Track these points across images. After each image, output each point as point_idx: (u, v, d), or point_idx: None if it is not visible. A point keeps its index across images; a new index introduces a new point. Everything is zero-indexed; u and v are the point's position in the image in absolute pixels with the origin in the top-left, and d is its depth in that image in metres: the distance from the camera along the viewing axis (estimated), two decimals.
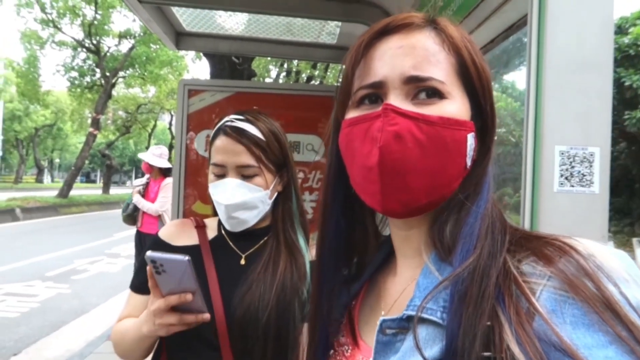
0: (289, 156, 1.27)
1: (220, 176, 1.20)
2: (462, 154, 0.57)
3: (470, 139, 0.58)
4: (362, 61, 0.60)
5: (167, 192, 5.21)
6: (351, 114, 0.61)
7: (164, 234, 1.29)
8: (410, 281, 0.61)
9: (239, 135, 1.19)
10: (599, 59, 0.94)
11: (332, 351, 0.70)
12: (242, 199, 1.18)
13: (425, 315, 0.54)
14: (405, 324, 0.57)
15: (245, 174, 1.18)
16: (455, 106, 0.57)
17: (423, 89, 0.57)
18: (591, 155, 0.92)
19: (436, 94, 0.57)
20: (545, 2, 0.95)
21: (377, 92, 0.59)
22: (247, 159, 1.18)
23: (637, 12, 11.17)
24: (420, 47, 0.57)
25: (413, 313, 0.55)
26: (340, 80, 0.63)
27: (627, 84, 9.93)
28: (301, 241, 1.26)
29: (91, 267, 8.50)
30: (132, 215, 5.38)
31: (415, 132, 0.54)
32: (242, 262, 1.23)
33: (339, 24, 2.87)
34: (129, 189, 6.26)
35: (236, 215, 1.19)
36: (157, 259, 0.96)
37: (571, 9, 0.96)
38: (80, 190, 26.87)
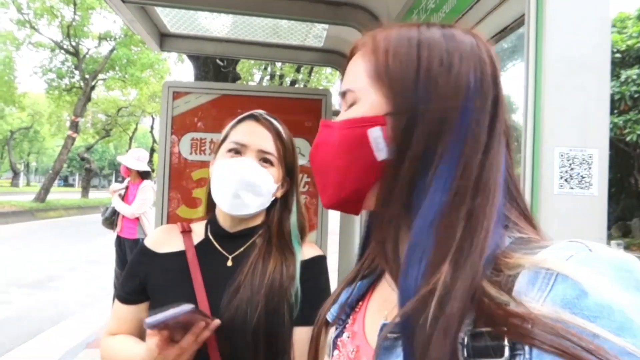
0: (297, 167, 1.28)
1: (237, 154, 1.19)
2: (365, 147, 0.59)
3: (375, 132, 0.59)
4: None
5: (144, 195, 5.13)
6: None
7: (149, 241, 1.26)
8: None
9: (269, 123, 1.21)
10: (596, 59, 0.94)
11: (336, 352, 0.69)
12: (256, 179, 1.16)
13: None
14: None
15: (264, 158, 1.19)
16: (361, 107, 0.61)
17: (347, 101, 0.64)
18: (590, 157, 0.92)
19: (352, 103, 0.63)
20: (543, 2, 0.95)
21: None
22: (271, 147, 1.19)
23: (612, 21, 11.50)
24: (350, 65, 0.66)
25: None
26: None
27: None
28: (295, 242, 1.23)
29: (69, 274, 8.29)
30: (110, 219, 5.28)
31: (326, 137, 0.64)
32: (229, 263, 1.20)
33: (326, 26, 2.86)
34: (109, 193, 6.12)
35: (243, 195, 1.16)
36: (160, 322, 0.91)
37: (568, 10, 0.95)
38: (58, 194, 26.30)
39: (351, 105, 0.63)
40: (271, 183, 1.19)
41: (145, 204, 5.12)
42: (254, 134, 1.19)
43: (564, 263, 0.46)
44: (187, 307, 0.94)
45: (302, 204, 1.29)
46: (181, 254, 1.20)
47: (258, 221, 1.25)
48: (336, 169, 0.62)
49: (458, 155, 0.55)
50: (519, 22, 1.13)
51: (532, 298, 0.46)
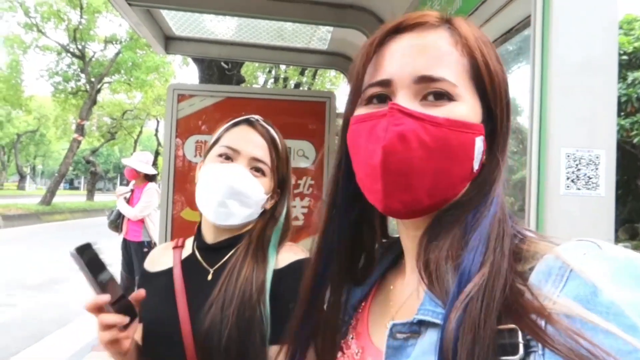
0: (289, 179, 1.21)
1: (227, 159, 1.12)
2: (469, 157, 0.56)
3: (479, 143, 0.57)
4: (374, 59, 0.60)
5: (148, 197, 5.14)
6: (359, 111, 0.61)
7: (147, 260, 1.26)
8: (420, 283, 0.58)
9: (264, 130, 1.14)
10: (603, 60, 0.93)
11: (340, 354, 0.68)
12: (245, 188, 1.09)
13: (437, 320, 0.53)
14: (416, 328, 0.56)
15: (256, 167, 1.12)
16: (464, 108, 0.56)
17: (433, 90, 0.56)
18: (597, 157, 0.91)
19: (446, 96, 0.56)
20: (549, 3, 0.94)
21: (385, 91, 0.58)
22: (265, 155, 1.12)
23: (619, 22, 11.45)
24: (432, 46, 0.57)
25: (424, 317, 0.54)
26: (352, 77, 0.63)
27: None
28: (271, 249, 1.14)
29: (74, 276, 8.31)
30: (115, 222, 5.30)
31: (420, 133, 0.54)
32: (209, 277, 1.13)
33: (331, 29, 2.86)
34: (114, 196, 6.18)
35: (231, 203, 1.09)
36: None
37: (575, 10, 0.95)
38: (63, 197, 26.42)
39: (443, 96, 0.56)
40: (261, 194, 1.12)
41: (148, 206, 5.13)
42: (248, 140, 1.12)
43: (579, 259, 0.46)
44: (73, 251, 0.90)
45: (291, 216, 1.23)
46: (169, 271, 1.17)
47: (238, 232, 1.17)
48: (432, 171, 0.55)
49: (504, 164, 0.59)
50: (525, 23, 1.13)
51: (546, 292, 0.46)
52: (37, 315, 5.95)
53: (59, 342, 5.08)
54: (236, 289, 1.05)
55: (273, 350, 1.03)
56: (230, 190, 1.08)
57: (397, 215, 0.59)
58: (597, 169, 0.91)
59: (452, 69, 0.56)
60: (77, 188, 58.65)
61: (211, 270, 1.14)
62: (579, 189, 0.91)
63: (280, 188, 1.19)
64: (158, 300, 1.13)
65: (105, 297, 0.94)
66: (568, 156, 0.90)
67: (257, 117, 1.18)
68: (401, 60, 0.57)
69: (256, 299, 1.04)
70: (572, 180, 0.91)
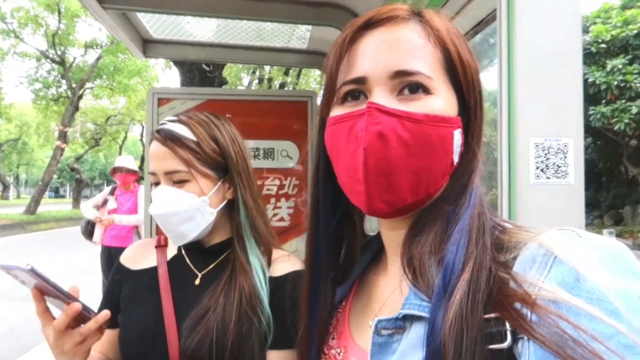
0: (234, 159, 1.10)
1: (155, 185, 1.07)
2: (448, 151, 0.56)
3: (457, 136, 0.57)
4: (346, 56, 0.59)
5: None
6: (335, 112, 0.60)
7: (125, 257, 1.20)
8: (403, 279, 0.59)
9: (164, 138, 1.06)
10: (568, 50, 0.95)
11: (321, 354, 0.68)
12: (170, 208, 1.04)
13: (423, 313, 0.53)
14: (401, 324, 0.56)
15: (175, 179, 1.05)
16: (441, 102, 0.56)
17: (409, 83, 0.55)
18: (565, 146, 0.93)
19: (422, 89, 0.55)
20: None
21: (360, 88, 0.58)
22: (173, 163, 1.04)
23: (596, 12, 11.61)
24: (405, 40, 0.56)
25: (410, 311, 0.54)
26: (325, 76, 0.62)
27: (590, 80, 10.28)
28: (254, 262, 1.09)
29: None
30: (87, 230, 5.07)
31: (399, 131, 0.54)
32: (197, 282, 1.09)
33: (309, 28, 2.86)
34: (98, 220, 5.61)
35: (174, 227, 1.05)
36: (5, 267, 0.87)
37: (539, 3, 0.96)
38: (48, 206, 26.06)
39: (419, 89, 0.55)
40: (194, 201, 1.05)
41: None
42: (158, 157, 1.06)
43: (562, 246, 0.47)
44: (25, 265, 0.87)
45: (255, 198, 1.13)
46: (153, 270, 1.12)
47: (228, 230, 1.13)
48: (414, 169, 0.54)
49: (480, 154, 0.59)
50: (493, 16, 1.14)
51: (531, 278, 0.47)
52: (25, 327, 5.87)
53: (47, 354, 5.01)
54: (234, 302, 1.02)
55: (272, 355, 1.03)
56: (161, 217, 1.05)
57: (381, 215, 0.59)
58: (565, 157, 0.93)
59: (426, 62, 0.56)
60: (63, 196, 57.82)
61: (199, 275, 1.11)
62: (548, 177, 0.92)
63: (224, 173, 1.11)
64: (140, 299, 1.10)
65: (78, 304, 0.93)
66: (537, 145, 0.92)
67: (162, 122, 1.11)
68: (375, 56, 0.56)
69: (254, 310, 1.02)
70: (542, 170, 0.92)
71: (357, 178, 0.55)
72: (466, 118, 0.59)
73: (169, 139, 1.06)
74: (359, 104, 0.57)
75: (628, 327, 0.41)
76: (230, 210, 1.12)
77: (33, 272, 0.86)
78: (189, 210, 1.04)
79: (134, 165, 5.17)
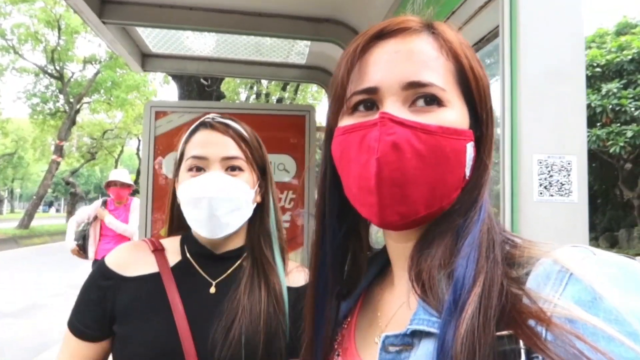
0: (268, 164, 1.15)
1: (199, 171, 1.04)
2: (461, 164, 0.55)
3: (470, 149, 0.56)
4: (357, 66, 0.58)
5: (137, 213, 5.01)
6: (345, 121, 0.59)
7: (113, 261, 1.07)
8: (410, 294, 0.57)
9: (225, 127, 1.07)
10: (571, 67, 0.95)
11: None
12: (228, 194, 1.02)
13: (432, 329, 0.51)
14: (409, 340, 0.54)
15: (231, 166, 1.05)
16: (454, 114, 0.55)
17: (422, 95, 0.54)
18: (569, 163, 0.91)
19: (435, 101, 0.55)
20: (517, 13, 0.95)
21: (372, 98, 0.56)
22: (235, 150, 1.05)
23: (591, 37, 11.81)
24: (418, 52, 0.56)
25: (418, 327, 0.52)
26: (335, 86, 0.60)
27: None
28: (278, 263, 1.10)
29: (54, 301, 8.08)
30: (82, 245, 4.97)
31: (413, 142, 0.52)
32: (212, 290, 1.05)
33: (308, 43, 2.88)
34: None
35: (221, 215, 1.02)
36: None
37: (542, 19, 0.96)
38: (42, 220, 25.84)
39: (432, 102, 0.55)
40: (247, 191, 1.06)
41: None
42: (212, 143, 1.05)
43: (578, 264, 0.46)
44: None
45: (277, 206, 1.16)
46: (154, 277, 1.04)
47: (242, 238, 1.12)
48: (427, 181, 0.53)
49: (491, 168, 0.59)
50: (495, 33, 1.14)
51: (545, 295, 0.45)
52: (15, 344, 5.74)
53: None
54: (259, 308, 1.00)
55: None
56: (215, 202, 1.01)
57: (393, 228, 0.57)
58: (569, 175, 0.92)
59: (439, 74, 0.55)
60: (58, 210, 57.44)
61: (213, 283, 1.06)
62: (552, 195, 0.91)
63: (263, 176, 1.13)
64: (146, 310, 1.01)
65: None
66: (540, 162, 0.91)
67: (211, 116, 1.12)
68: (387, 66, 0.55)
69: (280, 317, 1.02)
70: (545, 187, 0.91)
71: (368, 189, 0.54)
72: (478, 131, 0.58)
73: (230, 129, 1.07)
74: (370, 115, 0.56)
75: None
76: (253, 214, 1.11)
77: None
78: (241, 199, 1.05)
79: (128, 179, 5.14)
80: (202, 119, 1.10)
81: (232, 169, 1.06)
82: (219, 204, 1.02)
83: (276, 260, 1.09)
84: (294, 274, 1.11)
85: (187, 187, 1.04)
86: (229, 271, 1.08)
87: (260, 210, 1.12)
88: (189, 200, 1.04)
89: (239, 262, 1.10)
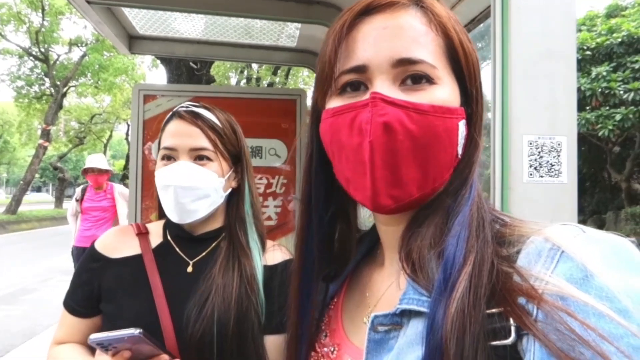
0: (245, 150, 1.19)
1: (169, 160, 1.11)
2: (454, 143, 0.54)
3: (462, 127, 0.55)
4: (344, 43, 0.55)
5: (123, 197, 5.02)
6: (334, 103, 0.57)
7: (101, 245, 1.16)
8: (400, 274, 0.56)
9: (194, 117, 1.11)
10: (563, 49, 0.94)
11: (312, 353, 0.66)
12: (193, 183, 1.07)
13: (422, 308, 0.50)
14: (398, 320, 0.54)
15: (199, 156, 1.10)
16: (446, 92, 0.54)
17: (413, 73, 0.53)
18: (559, 144, 0.92)
19: (426, 79, 0.53)
20: None
21: (360, 78, 0.55)
22: (202, 141, 1.10)
23: (581, 19, 11.79)
24: (408, 27, 0.54)
25: (408, 306, 0.52)
26: (321, 65, 0.59)
27: None
28: (253, 246, 1.14)
29: (42, 286, 8.04)
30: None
31: (406, 123, 0.51)
32: (190, 269, 1.11)
33: (299, 26, 2.84)
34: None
35: (186, 202, 1.08)
36: (104, 341, 0.87)
37: (533, 1, 0.95)
38: (30, 206, 25.58)
39: (422, 79, 0.53)
40: (214, 180, 1.10)
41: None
42: (182, 134, 1.10)
43: (570, 241, 0.46)
44: (134, 330, 0.87)
45: (254, 191, 1.21)
46: (137, 258, 1.11)
47: (220, 220, 1.18)
48: (421, 162, 0.52)
49: (481, 145, 0.58)
50: (486, 13, 1.13)
51: (537, 272, 0.45)
52: (4, 328, 5.73)
53: (26, 355, 4.90)
54: (231, 287, 1.05)
55: (268, 339, 1.07)
56: (180, 190, 1.07)
57: (386, 212, 0.56)
58: (559, 156, 0.92)
59: (429, 50, 0.54)
60: (48, 191, 56.89)
61: (191, 263, 1.12)
62: (541, 176, 0.91)
63: (237, 163, 1.18)
64: (128, 289, 1.09)
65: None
66: (530, 143, 0.91)
67: (185, 104, 1.16)
68: (376, 43, 0.54)
69: (252, 295, 1.06)
70: (535, 168, 0.91)
71: (362, 172, 0.53)
72: (469, 108, 0.57)
73: (199, 119, 1.11)
74: (360, 95, 0.55)
75: (638, 328, 0.40)
76: (229, 199, 1.17)
77: (143, 335, 0.87)
78: (208, 187, 1.09)
79: (106, 164, 5.13)
80: (175, 108, 1.15)
81: (200, 158, 1.10)
82: (184, 193, 1.08)
83: (250, 244, 1.14)
84: (270, 252, 1.16)
85: (158, 175, 1.11)
86: (206, 251, 1.14)
87: (237, 196, 1.17)
88: (160, 187, 1.11)
89: (216, 242, 1.15)
